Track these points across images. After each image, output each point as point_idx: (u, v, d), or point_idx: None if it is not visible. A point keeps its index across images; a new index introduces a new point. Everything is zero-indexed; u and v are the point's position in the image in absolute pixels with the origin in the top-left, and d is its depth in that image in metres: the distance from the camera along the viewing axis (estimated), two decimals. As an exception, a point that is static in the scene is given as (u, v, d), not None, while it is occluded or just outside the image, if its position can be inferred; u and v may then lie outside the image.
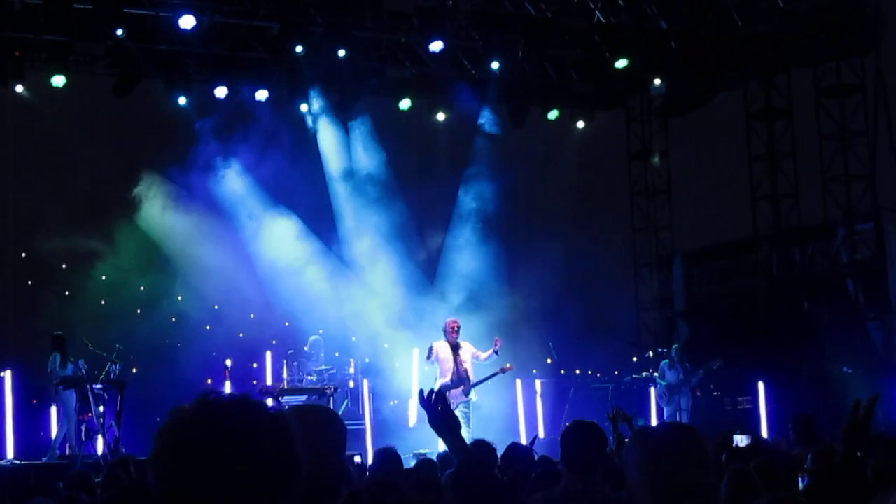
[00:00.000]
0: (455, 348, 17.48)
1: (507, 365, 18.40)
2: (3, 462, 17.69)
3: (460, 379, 17.29)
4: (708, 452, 3.93)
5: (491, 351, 17.67)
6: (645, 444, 3.88)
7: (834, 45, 23.52)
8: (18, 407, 19.35)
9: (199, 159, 23.00)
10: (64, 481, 10.68)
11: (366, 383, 20.84)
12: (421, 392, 4.61)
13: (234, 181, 23.51)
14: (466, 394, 17.34)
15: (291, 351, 20.39)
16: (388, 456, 9.06)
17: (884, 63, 23.19)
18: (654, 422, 22.06)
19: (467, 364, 17.44)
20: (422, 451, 17.86)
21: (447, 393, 17.15)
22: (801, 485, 8.08)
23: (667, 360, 21.37)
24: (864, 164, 23.89)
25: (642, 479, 3.83)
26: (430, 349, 17.57)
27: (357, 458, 15.47)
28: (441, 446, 16.73)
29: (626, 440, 3.90)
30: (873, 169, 23.75)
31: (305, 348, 20.83)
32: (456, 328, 17.58)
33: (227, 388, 21.33)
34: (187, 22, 20.47)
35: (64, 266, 23.34)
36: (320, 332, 21.97)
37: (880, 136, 23.38)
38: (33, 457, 18.41)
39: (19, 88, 21.46)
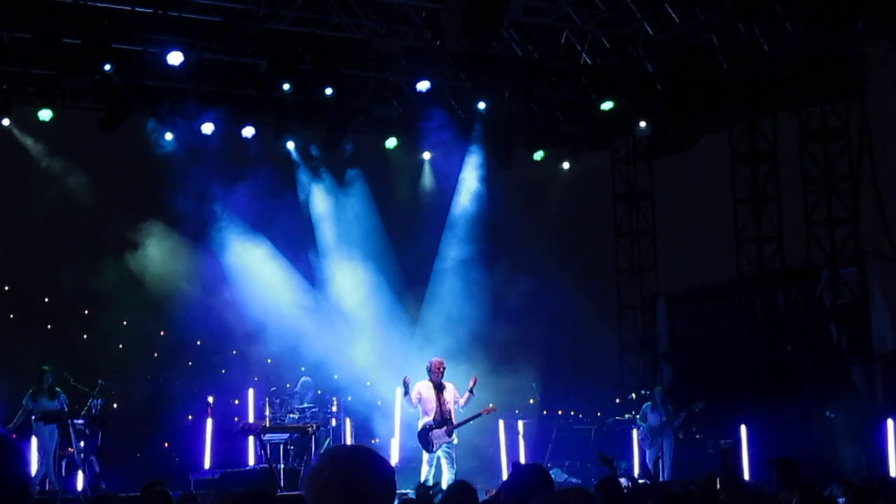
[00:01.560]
0: (439, 388, 17.43)
1: (490, 405, 18.36)
2: None
3: (444, 419, 17.24)
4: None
5: (468, 394, 17.60)
6: None
7: (819, 90, 23.66)
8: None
9: (184, 195, 22.99)
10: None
11: (348, 422, 20.79)
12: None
13: (218, 217, 23.49)
14: (449, 434, 17.28)
15: (274, 388, 20.34)
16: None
17: (868, 108, 23.32)
18: (636, 463, 22.05)
19: (451, 405, 17.39)
20: (403, 490, 17.80)
21: (430, 433, 17.12)
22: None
23: (649, 403, 21.33)
24: (847, 208, 23.97)
25: None
26: (406, 385, 17.45)
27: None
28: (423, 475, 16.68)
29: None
30: (857, 213, 23.83)
31: (288, 385, 20.77)
32: (441, 369, 17.53)
33: (209, 425, 21.27)
34: (175, 58, 20.49)
35: (46, 300, 23.27)
36: (303, 368, 21.93)
37: (864, 181, 23.49)
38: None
39: (6, 122, 21.47)
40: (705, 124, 25.61)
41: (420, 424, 17.30)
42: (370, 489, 3.27)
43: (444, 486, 16.58)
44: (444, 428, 17.19)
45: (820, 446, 20.93)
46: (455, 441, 17.51)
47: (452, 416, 17.37)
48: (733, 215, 25.29)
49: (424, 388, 17.44)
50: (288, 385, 21.01)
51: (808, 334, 24.35)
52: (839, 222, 24.05)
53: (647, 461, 21.08)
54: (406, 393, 17.46)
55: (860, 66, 22.96)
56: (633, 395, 25.12)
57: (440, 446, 17.13)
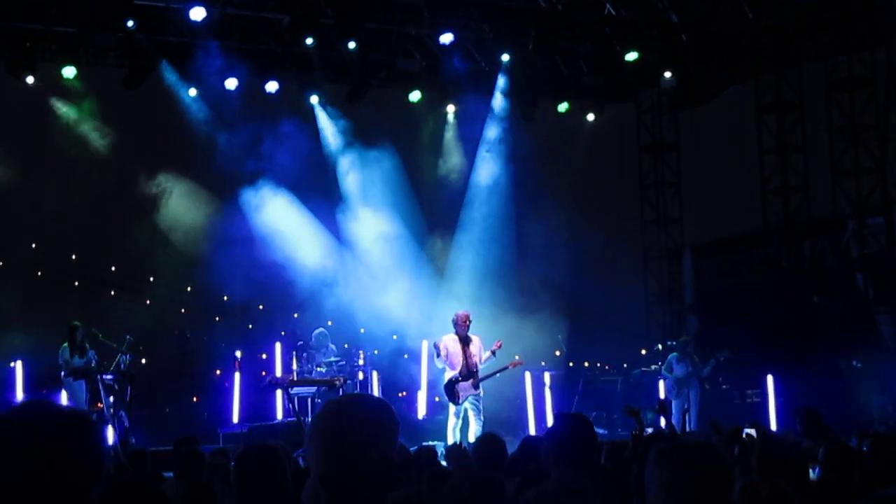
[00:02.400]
0: (465, 341, 17.43)
1: (517, 358, 18.37)
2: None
3: (469, 372, 17.26)
4: (730, 471, 3.84)
5: (489, 353, 17.60)
6: (668, 464, 3.78)
7: (845, 39, 23.48)
8: (28, 397, 19.42)
9: (208, 151, 23.03)
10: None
11: (375, 375, 20.85)
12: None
13: (243, 172, 23.52)
14: (476, 387, 17.31)
15: (301, 342, 20.40)
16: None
17: (895, 56, 23.14)
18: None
19: (476, 358, 17.41)
20: (431, 443, 17.89)
21: (456, 385, 17.16)
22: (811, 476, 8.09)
23: (675, 353, 21.29)
24: (874, 157, 23.85)
25: (663, 498, 3.75)
26: (437, 347, 17.46)
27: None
28: (451, 438, 16.78)
29: (649, 456, 3.81)
30: (884, 162, 23.72)
31: (311, 341, 20.85)
32: (467, 322, 17.51)
33: (237, 379, 21.42)
34: (198, 14, 20.48)
35: (73, 256, 23.38)
36: (329, 322, 21.99)
37: (891, 130, 23.34)
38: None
39: (30, 80, 21.49)
40: (731, 75, 25.44)
41: (446, 377, 17.34)
42: (355, 436, 3.41)
43: (471, 437, 16.66)
44: (471, 380, 17.22)
45: (847, 396, 20.92)
46: (481, 393, 17.54)
47: (479, 368, 17.39)
48: (759, 166, 25.19)
49: (451, 342, 17.45)
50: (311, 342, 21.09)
51: (834, 284, 24.30)
52: (866, 172, 23.94)
53: (674, 412, 21.07)
54: (438, 355, 17.47)
55: (887, 13, 22.75)
56: (659, 347, 25.13)
57: (466, 398, 17.17)
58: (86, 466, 2.70)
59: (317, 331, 20.52)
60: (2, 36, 21.07)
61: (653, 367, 23.27)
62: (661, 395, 22.03)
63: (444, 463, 10.13)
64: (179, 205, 23.49)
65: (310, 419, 19.20)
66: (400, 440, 8.68)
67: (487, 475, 6.69)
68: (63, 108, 22.43)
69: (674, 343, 22.30)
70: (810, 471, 8.23)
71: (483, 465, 8.04)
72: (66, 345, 18.53)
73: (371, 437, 3.45)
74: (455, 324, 17.52)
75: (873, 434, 9.40)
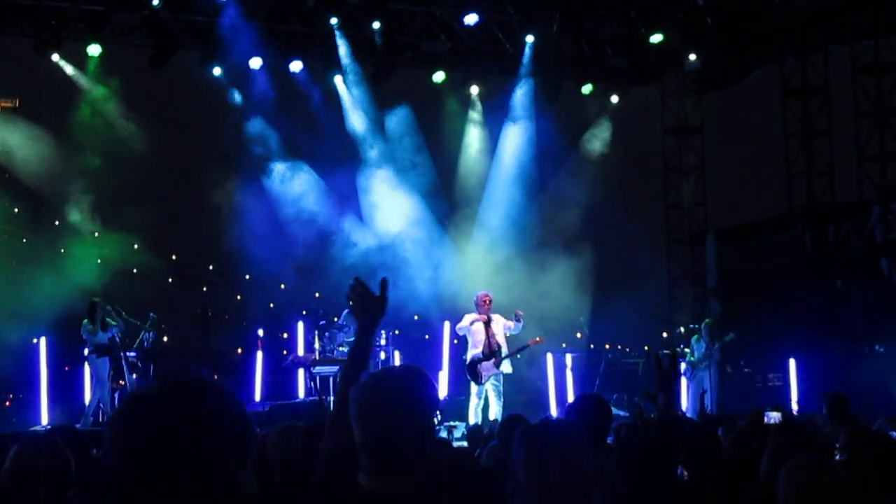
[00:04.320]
0: (487, 321, 17.49)
1: (538, 338, 18.44)
2: (37, 428, 17.85)
3: (492, 352, 17.31)
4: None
5: (514, 322, 17.66)
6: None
7: (872, 23, 23.35)
8: (51, 373, 19.55)
9: (232, 130, 23.08)
10: (98, 448, 10.78)
11: (397, 355, 20.89)
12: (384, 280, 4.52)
13: (267, 151, 23.57)
14: (498, 366, 17.35)
15: (323, 322, 20.45)
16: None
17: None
18: (683, 398, 22.06)
19: (499, 337, 17.45)
20: (452, 423, 17.94)
21: (478, 365, 17.20)
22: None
23: (696, 336, 21.26)
24: (900, 142, 23.76)
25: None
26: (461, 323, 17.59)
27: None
28: (472, 418, 16.83)
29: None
30: (910, 147, 23.62)
31: (336, 319, 20.89)
32: (488, 301, 17.59)
33: (259, 358, 21.48)
34: (224, -7, 20.53)
35: (96, 234, 23.44)
36: (350, 302, 21.99)
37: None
38: (67, 423, 18.56)
39: (55, 57, 21.55)
40: (756, 58, 25.33)
41: (468, 357, 17.39)
42: (401, 401, 3.64)
43: (491, 416, 16.71)
44: (493, 360, 17.27)
45: (870, 381, 20.84)
46: (508, 371, 17.57)
47: (502, 347, 17.43)
48: (784, 150, 25.11)
49: (473, 321, 17.52)
50: (336, 319, 21.12)
51: (858, 269, 24.19)
52: (891, 157, 23.85)
53: (690, 396, 21.01)
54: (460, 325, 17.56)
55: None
56: (682, 329, 25.07)
57: (488, 378, 17.22)
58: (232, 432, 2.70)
59: (346, 310, 20.56)
60: (28, 14, 21.13)
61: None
62: (682, 381, 22.02)
63: (465, 443, 10.16)
64: (200, 180, 23.51)
65: (331, 398, 19.29)
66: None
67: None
68: (86, 85, 22.49)
69: (696, 326, 22.23)
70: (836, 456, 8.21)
71: (507, 445, 8.06)
72: (86, 321, 18.61)
73: (409, 403, 3.67)
74: (476, 304, 17.60)
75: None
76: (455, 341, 18.06)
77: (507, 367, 17.63)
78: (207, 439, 2.61)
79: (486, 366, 17.20)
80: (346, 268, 23.07)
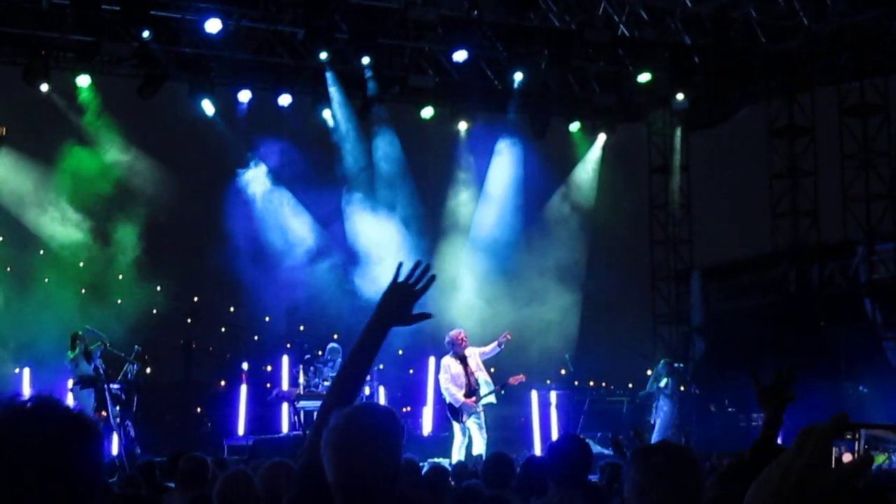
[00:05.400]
0: (464, 360, 17.24)
1: (521, 375, 18.16)
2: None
3: (472, 391, 17.19)
4: (703, 474, 4.01)
5: (494, 344, 17.46)
6: (644, 465, 3.95)
7: (858, 64, 23.51)
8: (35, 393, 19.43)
9: (220, 160, 23.09)
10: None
11: (381, 390, 20.86)
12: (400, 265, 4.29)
13: (253, 182, 23.58)
14: (478, 403, 17.25)
15: (308, 356, 20.41)
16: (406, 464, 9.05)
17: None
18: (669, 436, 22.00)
19: (478, 372, 17.29)
20: (436, 459, 17.86)
21: (460, 405, 17.09)
22: None
23: (655, 375, 20.96)
24: (885, 184, 23.85)
25: (639, 499, 3.89)
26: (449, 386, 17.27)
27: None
28: (455, 456, 16.76)
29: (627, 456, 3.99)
30: (894, 189, 23.72)
31: (321, 353, 20.85)
32: (463, 338, 17.34)
33: (244, 391, 21.41)
34: (213, 26, 20.59)
35: (81, 264, 23.39)
36: (335, 336, 21.99)
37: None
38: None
39: (44, 87, 21.55)
40: (742, 98, 25.50)
41: (450, 397, 17.23)
42: (366, 446, 3.69)
43: (475, 451, 16.63)
44: (473, 398, 17.17)
45: (853, 421, 20.85)
46: (492, 401, 17.38)
47: (482, 381, 17.24)
48: (769, 189, 25.20)
49: (451, 364, 17.30)
50: (320, 353, 21.07)
51: (842, 309, 24.27)
52: (876, 197, 23.95)
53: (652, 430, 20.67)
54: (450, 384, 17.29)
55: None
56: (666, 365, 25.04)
57: (471, 416, 17.13)
58: (84, 476, 2.49)
59: (330, 344, 20.52)
60: (18, 43, 21.15)
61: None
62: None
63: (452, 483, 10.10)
64: (187, 213, 23.50)
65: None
66: (409, 455, 8.68)
67: (497, 495, 6.77)
68: (74, 116, 22.51)
69: (681, 365, 22.16)
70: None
71: (491, 484, 8.04)
72: (69, 352, 18.55)
73: (379, 446, 3.72)
74: (453, 344, 17.29)
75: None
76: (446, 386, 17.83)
77: (489, 398, 17.46)
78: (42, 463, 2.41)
79: (469, 404, 17.07)
80: (333, 301, 23.05)
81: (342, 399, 3.92)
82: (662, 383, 19.98)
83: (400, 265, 4.24)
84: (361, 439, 3.69)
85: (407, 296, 4.19)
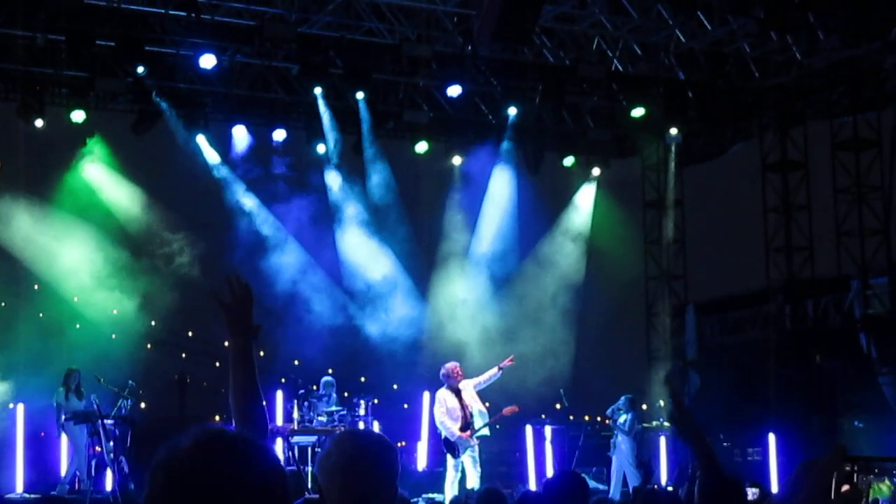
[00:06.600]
0: (458, 393, 17.24)
1: (515, 406, 18.11)
2: (13, 496, 17.66)
3: (467, 423, 17.17)
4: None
5: (494, 369, 17.47)
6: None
7: (851, 99, 23.59)
8: (27, 439, 19.38)
9: (214, 197, 23.10)
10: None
11: (376, 425, 20.80)
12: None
13: (246, 218, 23.58)
14: (473, 436, 17.20)
15: (302, 391, 20.37)
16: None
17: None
18: (663, 470, 21.95)
19: (473, 404, 17.27)
20: (430, 495, 17.81)
21: (455, 439, 17.05)
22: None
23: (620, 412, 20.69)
24: (879, 218, 23.89)
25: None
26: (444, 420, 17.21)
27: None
28: (449, 493, 16.70)
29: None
30: (888, 224, 23.75)
31: (315, 388, 20.79)
32: (460, 372, 17.33)
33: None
34: (208, 61, 20.66)
35: (76, 299, 23.36)
36: (330, 371, 21.95)
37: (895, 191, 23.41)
38: (41, 490, 18.38)
39: (39, 123, 21.55)
40: (736, 132, 25.59)
41: (445, 432, 17.19)
42: (372, 470, 3.77)
43: (469, 485, 16.59)
44: (468, 431, 17.13)
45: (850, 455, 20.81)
46: (486, 433, 17.33)
47: (477, 413, 17.21)
48: (763, 224, 25.23)
49: (447, 397, 17.28)
50: (315, 388, 21.02)
51: (837, 344, 24.26)
52: (870, 232, 23.98)
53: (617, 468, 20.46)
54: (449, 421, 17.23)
55: (893, 75, 22.87)
56: (662, 403, 25.04)
57: (465, 450, 17.08)
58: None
59: (324, 378, 20.48)
60: (12, 79, 21.19)
61: (654, 423, 23.18)
62: (662, 451, 21.99)
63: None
64: (183, 250, 23.46)
65: (309, 469, 19.17)
66: (401, 492, 8.69)
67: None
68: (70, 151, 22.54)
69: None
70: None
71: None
72: (60, 388, 18.53)
73: (382, 468, 3.82)
74: (448, 377, 17.29)
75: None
76: (441, 420, 17.78)
77: (483, 430, 17.41)
78: (248, 496, 2.45)
79: (464, 438, 17.03)
80: (328, 337, 23.01)
81: (243, 419, 4.12)
82: (621, 419, 19.82)
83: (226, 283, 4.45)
84: (365, 462, 3.76)
85: (241, 307, 4.45)
